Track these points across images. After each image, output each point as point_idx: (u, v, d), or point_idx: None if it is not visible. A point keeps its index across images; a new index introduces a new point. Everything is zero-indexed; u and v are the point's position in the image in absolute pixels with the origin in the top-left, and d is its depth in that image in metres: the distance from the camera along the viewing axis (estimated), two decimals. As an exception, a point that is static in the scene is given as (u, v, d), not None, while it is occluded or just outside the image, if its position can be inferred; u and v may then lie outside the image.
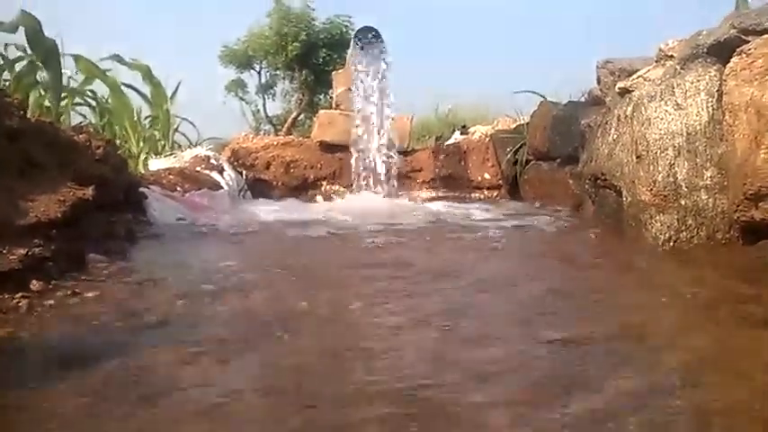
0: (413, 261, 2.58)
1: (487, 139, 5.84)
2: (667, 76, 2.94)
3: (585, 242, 3.15)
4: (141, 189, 3.48)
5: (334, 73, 6.24)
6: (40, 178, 2.50)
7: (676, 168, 2.68)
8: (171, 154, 5.11)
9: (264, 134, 11.74)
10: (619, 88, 3.63)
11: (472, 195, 5.65)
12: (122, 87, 5.12)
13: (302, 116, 12.61)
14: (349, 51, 5.90)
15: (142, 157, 4.82)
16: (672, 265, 2.53)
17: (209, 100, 12.37)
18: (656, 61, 3.51)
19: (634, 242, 2.84)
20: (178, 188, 4.09)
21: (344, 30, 11.67)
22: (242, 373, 1.37)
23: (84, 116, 5.24)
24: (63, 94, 4.75)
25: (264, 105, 13.14)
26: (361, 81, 5.56)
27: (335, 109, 6.00)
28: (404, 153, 5.83)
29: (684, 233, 2.65)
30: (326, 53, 11.88)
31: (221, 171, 4.85)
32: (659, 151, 2.71)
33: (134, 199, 3.40)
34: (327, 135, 5.81)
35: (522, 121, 5.73)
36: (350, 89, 5.68)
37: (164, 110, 5.40)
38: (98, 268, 2.19)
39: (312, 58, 11.97)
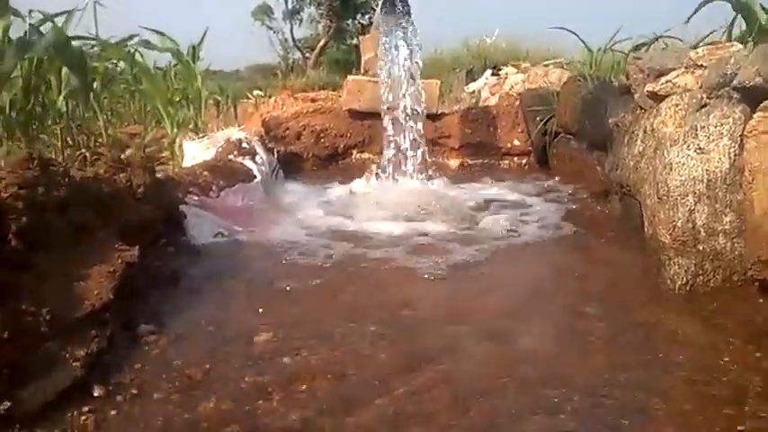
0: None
1: (516, 103, 5.80)
2: (691, 110, 2.92)
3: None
4: (180, 208, 3.64)
5: (361, 38, 6.17)
6: (88, 243, 2.67)
7: (696, 214, 2.73)
8: (204, 135, 5.23)
9: (293, 63, 11.68)
10: (648, 92, 3.59)
11: (501, 163, 5.70)
12: (152, 69, 5.19)
13: (330, 42, 12.47)
14: (375, 16, 5.80)
15: (177, 141, 4.96)
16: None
17: (237, 31, 12.32)
18: (686, 68, 3.45)
19: (651, 281, 2.90)
20: (213, 187, 4.25)
21: (372, -48, 11.31)
22: None
23: (120, 100, 5.34)
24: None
25: (292, 31, 13.04)
26: (387, 49, 5.47)
27: (364, 74, 5.99)
28: (432, 118, 5.83)
29: (701, 277, 2.74)
30: (353, -22, 11.62)
31: (254, 155, 4.97)
32: (680, 197, 2.76)
33: (174, 219, 3.56)
34: (356, 103, 5.84)
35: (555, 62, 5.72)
36: (377, 55, 5.63)
37: (194, 88, 5.46)
38: (150, 344, 2.38)
39: (338, -18, 11.72)
